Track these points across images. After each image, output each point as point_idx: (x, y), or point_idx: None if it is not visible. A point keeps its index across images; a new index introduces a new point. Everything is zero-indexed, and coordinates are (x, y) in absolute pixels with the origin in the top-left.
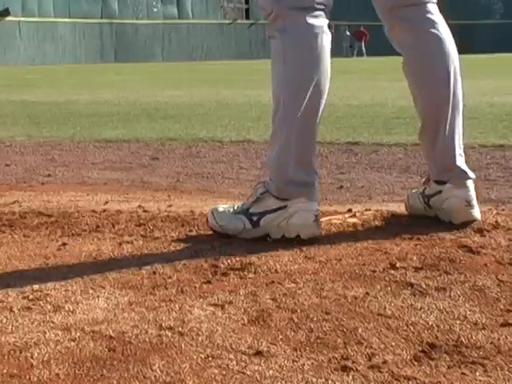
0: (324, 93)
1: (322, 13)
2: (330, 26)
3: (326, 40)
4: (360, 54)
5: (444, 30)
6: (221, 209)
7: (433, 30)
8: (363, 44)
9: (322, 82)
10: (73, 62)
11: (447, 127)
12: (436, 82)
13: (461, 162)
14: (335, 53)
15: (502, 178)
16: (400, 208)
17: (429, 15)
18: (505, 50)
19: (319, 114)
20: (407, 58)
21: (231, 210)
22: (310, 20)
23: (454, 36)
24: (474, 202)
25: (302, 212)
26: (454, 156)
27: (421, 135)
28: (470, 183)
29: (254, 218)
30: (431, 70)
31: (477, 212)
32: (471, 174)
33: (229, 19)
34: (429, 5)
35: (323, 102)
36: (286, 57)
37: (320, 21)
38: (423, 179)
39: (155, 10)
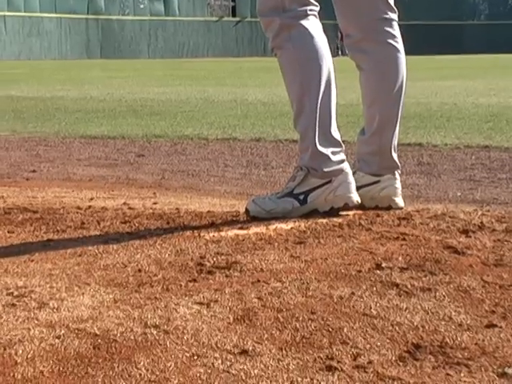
0: (333, 79)
1: (315, 17)
2: None
3: (324, 37)
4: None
5: (401, 45)
6: (261, 197)
7: (396, 45)
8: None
9: (332, 74)
10: (58, 58)
11: (395, 130)
12: (394, 89)
13: (397, 157)
14: None
15: (486, 179)
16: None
17: (394, 31)
18: (491, 50)
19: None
20: (372, 67)
21: (272, 196)
22: (310, 25)
23: (440, 36)
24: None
25: (345, 183)
26: (395, 153)
27: (373, 135)
28: (398, 175)
29: (301, 197)
30: (392, 81)
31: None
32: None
33: (215, 16)
34: (394, 22)
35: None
36: (301, 61)
37: (317, 23)
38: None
39: (142, 6)
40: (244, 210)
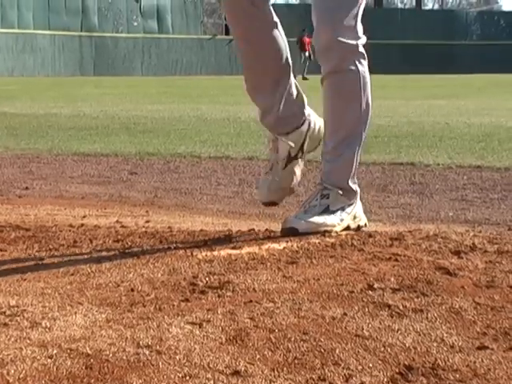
0: None
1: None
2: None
3: None
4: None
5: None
6: (306, 214)
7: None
8: (308, 54)
9: None
10: (52, 75)
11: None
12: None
13: None
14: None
15: (478, 199)
16: (377, 227)
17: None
18: (483, 70)
19: None
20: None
21: (308, 213)
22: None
23: (432, 56)
24: None
25: (360, 205)
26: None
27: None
28: None
29: (338, 213)
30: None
31: None
32: None
33: (209, 34)
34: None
35: None
36: (365, 86)
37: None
38: None
39: (135, 23)
40: (283, 230)
